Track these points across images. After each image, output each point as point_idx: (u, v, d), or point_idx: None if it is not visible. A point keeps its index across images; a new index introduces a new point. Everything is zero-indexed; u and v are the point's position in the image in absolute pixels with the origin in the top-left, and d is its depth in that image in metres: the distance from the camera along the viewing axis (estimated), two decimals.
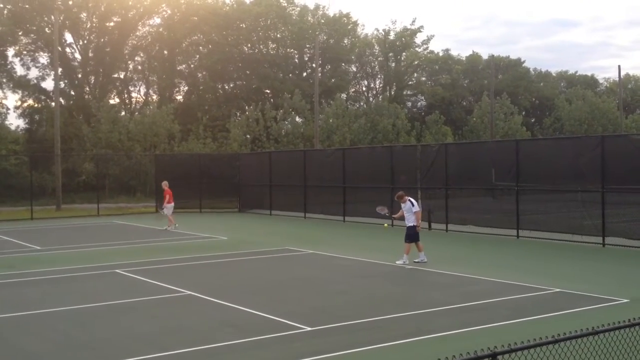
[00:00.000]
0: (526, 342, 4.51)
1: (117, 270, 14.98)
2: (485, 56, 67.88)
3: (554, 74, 75.86)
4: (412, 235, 15.42)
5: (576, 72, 77.65)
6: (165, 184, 25.44)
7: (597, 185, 18.57)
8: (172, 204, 25.07)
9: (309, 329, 9.41)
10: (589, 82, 75.16)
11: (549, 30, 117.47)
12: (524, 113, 64.67)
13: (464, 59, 68.18)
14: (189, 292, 12.20)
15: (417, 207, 15.60)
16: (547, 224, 19.97)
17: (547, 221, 20.13)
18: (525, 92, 68.07)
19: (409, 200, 15.65)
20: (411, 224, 15.40)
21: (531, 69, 72.28)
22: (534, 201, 21.27)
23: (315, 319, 9.94)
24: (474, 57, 68.07)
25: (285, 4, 58.63)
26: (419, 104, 66.50)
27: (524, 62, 70.93)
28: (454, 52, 67.99)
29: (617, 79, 62.99)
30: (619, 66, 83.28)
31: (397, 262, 15.18)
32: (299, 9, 58.85)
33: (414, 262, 15.21)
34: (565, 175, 20.08)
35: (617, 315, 8.90)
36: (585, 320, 9.03)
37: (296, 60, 59.88)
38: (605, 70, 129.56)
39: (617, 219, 18.60)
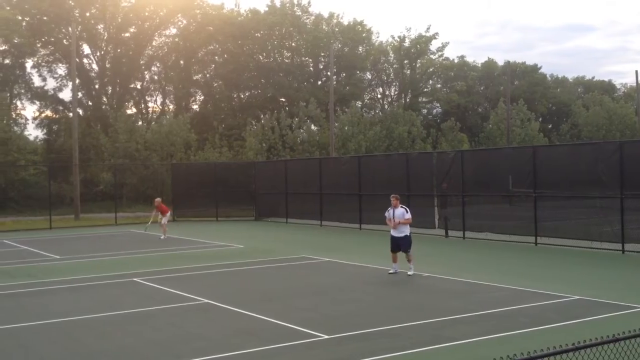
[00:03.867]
0: (546, 349, 4.47)
1: (135, 279, 15.06)
2: (500, 62, 67.67)
3: (570, 80, 75.42)
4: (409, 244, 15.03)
5: (593, 77, 77.24)
6: (157, 201, 25.45)
7: (616, 191, 18.40)
8: (168, 214, 25.63)
9: (327, 336, 9.38)
10: (606, 87, 74.62)
11: (565, 35, 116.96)
12: (540, 119, 64.32)
13: (479, 65, 68.01)
14: (206, 300, 12.22)
15: (409, 215, 15.18)
16: (565, 231, 19.80)
17: (566, 228, 19.96)
18: (542, 98, 67.72)
19: (403, 207, 15.26)
20: (408, 233, 15.01)
21: (548, 75, 71.95)
22: (552, 208, 21.09)
23: (333, 327, 9.92)
24: (490, 64, 67.86)
25: (300, 13, 58.88)
26: (435, 111, 66.36)
27: (540, 68, 70.63)
28: (469, 59, 67.85)
29: (635, 84, 62.49)
30: (637, 71, 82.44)
31: (409, 274, 14.77)
32: (313, 17, 59.08)
33: (389, 273, 14.91)
34: (583, 182, 19.91)
35: (638, 322, 8.79)
36: (605, 328, 8.93)
37: (311, 68, 60.05)
38: (622, 75, 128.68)
39: (637, 225, 18.39)
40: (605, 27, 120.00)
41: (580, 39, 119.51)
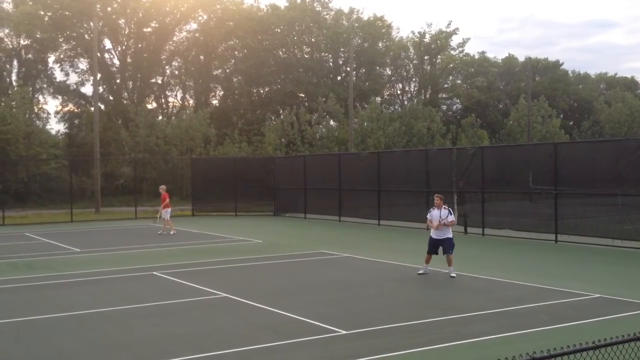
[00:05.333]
0: (565, 347, 4.44)
1: (154, 273, 15.18)
2: (521, 58, 67.13)
3: (592, 76, 74.60)
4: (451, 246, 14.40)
5: (615, 74, 76.34)
6: (162, 189, 25.12)
7: (637, 188, 18.19)
8: (170, 208, 24.86)
9: (345, 332, 9.40)
10: (629, 84, 73.75)
11: (586, 31, 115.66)
12: (562, 116, 63.74)
13: (500, 61, 67.50)
14: (225, 295, 12.29)
15: (452, 217, 14.49)
16: (586, 229, 19.62)
17: (587, 225, 19.78)
18: (564, 95, 67.08)
19: (447, 207, 14.51)
20: (451, 235, 14.36)
21: (569, 71, 71.23)
22: (572, 205, 20.92)
23: (351, 323, 9.93)
24: (510, 59, 67.34)
25: (320, 9, 58.85)
26: (455, 107, 66.01)
27: (562, 64, 69.97)
28: (489, 55, 67.44)
29: None
30: None
31: (452, 275, 14.06)
32: (333, 12, 59.02)
33: (418, 273, 14.47)
34: (604, 179, 19.72)
35: None
36: (626, 326, 8.84)
37: (330, 64, 60.00)
38: None
39: None
40: (627, 23, 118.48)
41: (602, 35, 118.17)
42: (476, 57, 65.62)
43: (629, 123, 61.14)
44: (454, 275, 14.06)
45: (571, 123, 66.91)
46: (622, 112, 62.01)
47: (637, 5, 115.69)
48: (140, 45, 53.59)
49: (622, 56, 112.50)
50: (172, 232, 24.22)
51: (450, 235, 14.35)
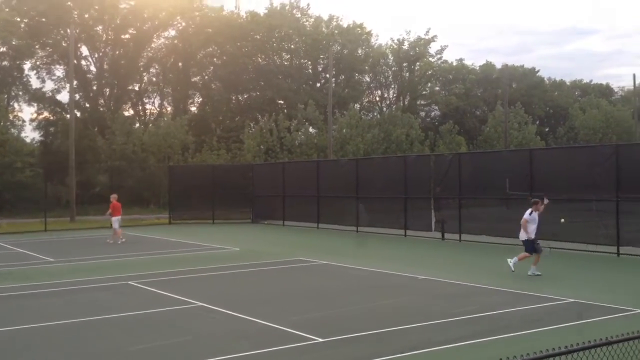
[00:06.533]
0: (538, 352, 4.45)
1: (130, 282, 15.01)
2: (499, 65, 67.77)
3: (568, 83, 75.52)
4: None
5: (591, 80, 77.31)
6: (114, 197, 24.81)
7: (611, 194, 18.39)
8: (119, 217, 24.42)
9: (322, 340, 9.36)
10: (604, 90, 74.76)
11: (562, 39, 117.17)
12: (538, 122, 64.41)
13: (477, 68, 68.07)
14: (202, 304, 12.18)
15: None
16: (561, 234, 19.75)
17: (562, 231, 19.90)
18: (540, 102, 67.79)
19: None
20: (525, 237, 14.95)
21: (545, 78, 72.04)
22: (548, 211, 21.02)
23: (328, 330, 9.89)
24: (488, 67, 67.93)
25: (299, 15, 58.93)
26: (433, 113, 66.41)
27: (538, 71, 70.73)
28: (467, 62, 67.89)
29: (632, 87, 62.57)
30: (634, 74, 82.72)
31: (530, 274, 14.70)
32: (312, 19, 59.12)
33: (527, 274, 14.65)
34: (579, 185, 19.90)
35: (632, 325, 8.77)
36: (599, 331, 8.91)
37: (310, 70, 60.07)
38: (620, 78, 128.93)
39: (633, 228, 18.38)
40: (603, 30, 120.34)
41: (578, 42, 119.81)
42: (454, 64, 66.11)
43: (603, 129, 61.93)
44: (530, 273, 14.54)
45: (547, 129, 67.61)
46: (596, 118, 62.81)
47: (613, 13, 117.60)
48: (117, 52, 53.23)
49: (597, 63, 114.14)
50: (120, 241, 23.75)
51: (524, 237, 14.92)
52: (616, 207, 18.16)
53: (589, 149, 22.34)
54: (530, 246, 14.87)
